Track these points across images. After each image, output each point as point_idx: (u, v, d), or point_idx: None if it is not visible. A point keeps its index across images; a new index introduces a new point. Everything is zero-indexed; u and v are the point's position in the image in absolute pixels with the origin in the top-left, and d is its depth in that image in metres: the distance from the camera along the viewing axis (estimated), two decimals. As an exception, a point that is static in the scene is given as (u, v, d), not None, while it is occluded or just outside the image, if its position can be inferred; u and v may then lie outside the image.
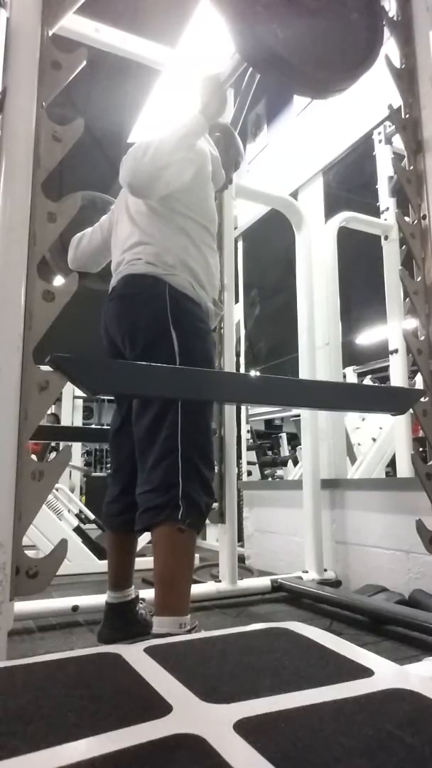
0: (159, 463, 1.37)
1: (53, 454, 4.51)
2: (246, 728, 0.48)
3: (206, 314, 1.56)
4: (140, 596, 1.69)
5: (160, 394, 1.27)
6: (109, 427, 1.82)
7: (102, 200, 2.08)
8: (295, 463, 5.24)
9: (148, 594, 1.73)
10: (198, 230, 1.56)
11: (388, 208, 3.29)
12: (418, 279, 1.50)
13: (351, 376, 5.26)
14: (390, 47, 1.62)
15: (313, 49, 1.27)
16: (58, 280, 1.09)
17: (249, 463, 4.98)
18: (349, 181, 4.46)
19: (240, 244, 4.15)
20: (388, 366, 3.28)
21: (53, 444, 4.51)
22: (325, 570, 2.47)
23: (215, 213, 1.67)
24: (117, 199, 1.74)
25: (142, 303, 1.48)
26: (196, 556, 3.11)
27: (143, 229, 1.54)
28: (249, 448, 5.10)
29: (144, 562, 1.95)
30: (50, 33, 1.17)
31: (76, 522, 3.47)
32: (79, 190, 1.14)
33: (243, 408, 4.21)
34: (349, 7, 1.37)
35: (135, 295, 1.50)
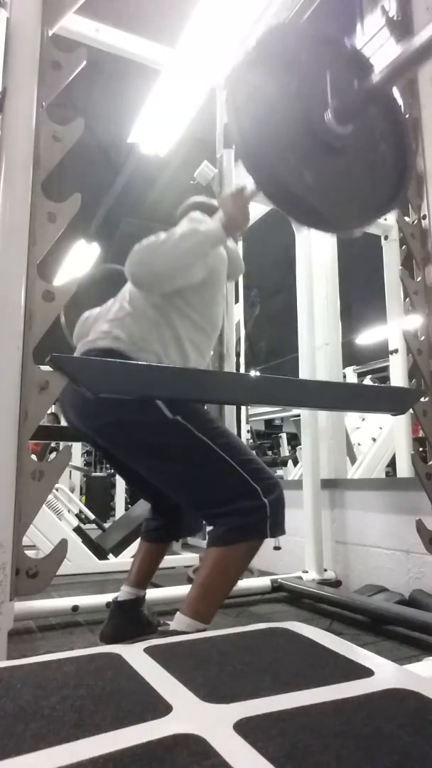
0: (233, 492, 1.34)
1: (53, 454, 4.51)
2: (246, 728, 0.48)
3: None
4: (145, 596, 1.69)
5: (160, 394, 1.27)
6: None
7: (119, 274, 1.97)
8: (295, 463, 5.25)
9: (152, 594, 1.73)
10: (192, 331, 1.48)
11: (388, 208, 3.29)
12: (418, 279, 1.50)
13: (351, 376, 5.26)
14: (390, 47, 1.62)
15: (341, 193, 1.18)
16: (59, 282, 1.09)
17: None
18: (349, 181, 4.45)
19: (240, 244, 4.14)
20: (388, 366, 3.28)
21: (53, 444, 4.51)
22: (325, 570, 2.47)
23: (220, 318, 1.60)
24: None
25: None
26: (197, 556, 3.12)
27: (130, 310, 1.48)
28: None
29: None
30: (50, 33, 1.17)
31: (76, 522, 3.47)
32: (79, 191, 1.13)
33: (243, 408, 4.20)
34: (377, 137, 1.27)
35: None
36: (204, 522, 1.44)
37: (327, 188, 1.15)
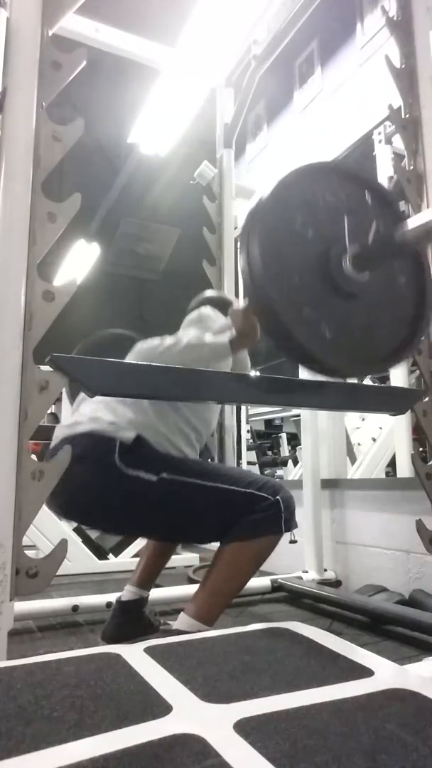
0: (243, 509, 1.34)
1: (53, 454, 4.49)
2: (246, 728, 0.48)
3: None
4: (148, 598, 1.69)
5: (160, 394, 1.27)
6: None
7: (130, 340, 1.80)
8: (295, 463, 5.24)
9: (153, 594, 1.72)
10: (184, 426, 1.47)
11: (388, 208, 3.29)
12: (418, 279, 1.50)
13: (351, 376, 5.24)
14: (390, 47, 1.62)
15: (354, 342, 1.12)
16: (59, 282, 1.09)
17: (249, 463, 4.98)
18: (349, 181, 4.46)
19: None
20: (388, 366, 3.26)
21: (53, 444, 4.50)
22: (325, 570, 2.47)
23: (214, 420, 1.59)
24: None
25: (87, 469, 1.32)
26: (196, 555, 3.12)
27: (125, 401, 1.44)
28: (249, 448, 5.09)
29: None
30: (50, 33, 1.17)
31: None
32: (79, 191, 1.13)
33: (243, 408, 4.21)
34: (396, 283, 1.19)
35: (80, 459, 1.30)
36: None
37: (343, 340, 1.10)
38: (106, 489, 1.34)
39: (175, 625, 1.31)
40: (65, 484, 1.09)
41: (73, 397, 1.81)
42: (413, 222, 1.04)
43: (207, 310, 1.54)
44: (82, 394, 1.67)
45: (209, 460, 2.21)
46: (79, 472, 1.20)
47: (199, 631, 1.27)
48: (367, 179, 1.21)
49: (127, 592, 1.64)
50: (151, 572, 1.67)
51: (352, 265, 1.07)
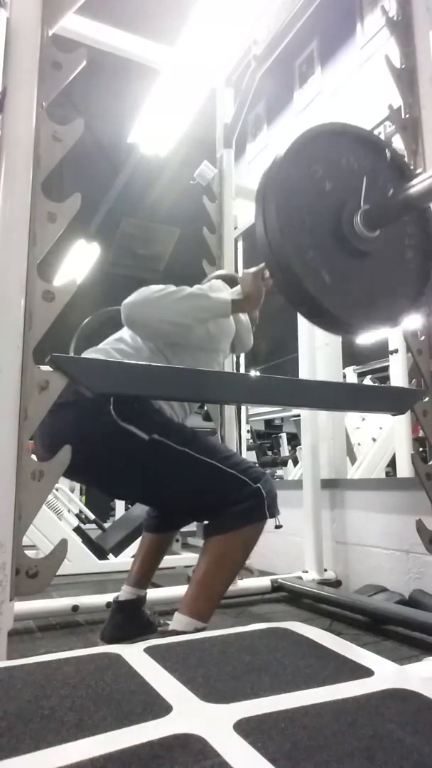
0: (224, 490, 1.35)
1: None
2: (246, 728, 0.48)
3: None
4: (146, 596, 1.69)
5: (159, 393, 1.27)
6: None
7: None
8: (295, 463, 5.23)
9: (153, 594, 1.73)
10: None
11: (388, 208, 3.29)
12: (418, 279, 1.50)
13: (351, 376, 5.24)
14: (390, 47, 1.62)
15: (356, 296, 1.14)
16: (59, 282, 1.09)
17: (249, 463, 4.95)
18: (349, 181, 4.46)
19: (240, 244, 4.14)
20: (388, 366, 3.27)
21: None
22: (325, 570, 2.47)
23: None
24: None
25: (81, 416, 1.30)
26: (196, 556, 3.12)
27: (128, 341, 1.48)
28: (249, 448, 5.08)
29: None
30: (50, 33, 1.17)
31: (76, 522, 3.47)
32: (79, 191, 1.13)
33: (243, 408, 4.20)
34: (404, 244, 1.22)
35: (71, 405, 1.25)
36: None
37: (342, 290, 1.11)
38: (95, 437, 1.31)
39: (172, 625, 1.30)
40: (53, 425, 1.06)
41: None
42: (419, 179, 1.07)
43: (217, 282, 1.58)
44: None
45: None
46: (70, 415, 1.16)
47: (195, 628, 1.27)
48: (390, 148, 1.25)
49: (124, 592, 1.64)
50: (147, 571, 1.67)
51: (363, 222, 1.10)
